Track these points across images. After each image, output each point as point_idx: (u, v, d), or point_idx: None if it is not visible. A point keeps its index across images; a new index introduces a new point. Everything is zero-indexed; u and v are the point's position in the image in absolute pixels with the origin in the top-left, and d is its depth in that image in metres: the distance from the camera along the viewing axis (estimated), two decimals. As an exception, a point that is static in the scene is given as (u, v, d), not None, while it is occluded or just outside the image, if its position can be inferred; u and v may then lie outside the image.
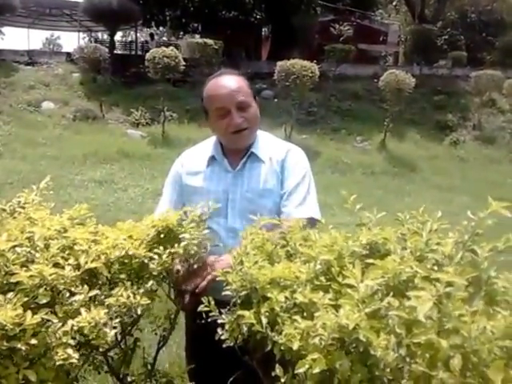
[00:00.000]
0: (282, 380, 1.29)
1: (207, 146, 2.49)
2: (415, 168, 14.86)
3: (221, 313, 1.52)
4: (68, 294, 1.53)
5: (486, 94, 19.51)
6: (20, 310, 1.37)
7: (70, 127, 15.13)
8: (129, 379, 1.82)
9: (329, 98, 18.46)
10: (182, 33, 29.78)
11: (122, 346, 1.79)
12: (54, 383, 1.41)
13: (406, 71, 16.03)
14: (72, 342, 1.42)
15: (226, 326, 1.46)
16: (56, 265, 1.57)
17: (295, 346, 1.24)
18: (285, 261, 1.58)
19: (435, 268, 1.39)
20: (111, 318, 1.53)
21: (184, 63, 15.19)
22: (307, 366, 1.19)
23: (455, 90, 20.99)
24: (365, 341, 1.18)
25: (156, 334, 1.89)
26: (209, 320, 1.54)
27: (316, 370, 1.18)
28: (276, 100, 17.77)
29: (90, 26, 27.79)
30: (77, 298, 1.52)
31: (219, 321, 1.50)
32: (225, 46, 18.66)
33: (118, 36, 29.30)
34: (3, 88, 16.51)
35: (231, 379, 1.69)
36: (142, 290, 1.64)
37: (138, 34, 29.33)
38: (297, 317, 1.32)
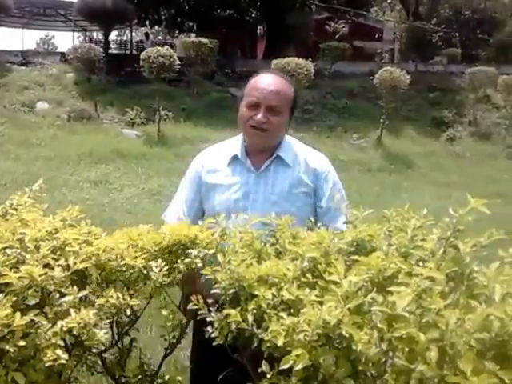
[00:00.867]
0: (268, 376, 1.31)
1: (229, 144, 2.50)
2: (412, 164, 14.91)
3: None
4: (58, 295, 1.53)
5: (480, 91, 19.62)
6: (9, 311, 1.37)
7: (65, 127, 15.07)
8: (123, 380, 1.82)
9: (324, 96, 18.47)
10: (177, 32, 29.78)
11: (120, 347, 1.79)
12: (45, 385, 1.40)
13: (401, 68, 16.09)
14: (61, 342, 1.42)
15: (216, 324, 1.47)
16: (46, 266, 1.56)
17: (280, 343, 1.26)
18: (274, 258, 1.59)
19: (420, 264, 1.41)
20: (101, 319, 1.53)
21: (179, 62, 15.17)
22: (292, 362, 1.21)
23: (450, 87, 21.03)
24: (347, 336, 1.20)
25: (165, 339, 1.87)
26: (197, 318, 1.54)
27: (300, 366, 1.20)
28: (271, 98, 17.78)
29: (84, 26, 27.66)
30: (66, 298, 1.51)
31: (208, 319, 1.51)
32: (220, 44, 18.67)
33: (113, 35, 29.30)
34: (-3, 89, 16.42)
35: (221, 376, 1.70)
36: (132, 292, 1.63)
37: (134, 34, 29.32)
38: (283, 314, 1.33)
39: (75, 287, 1.54)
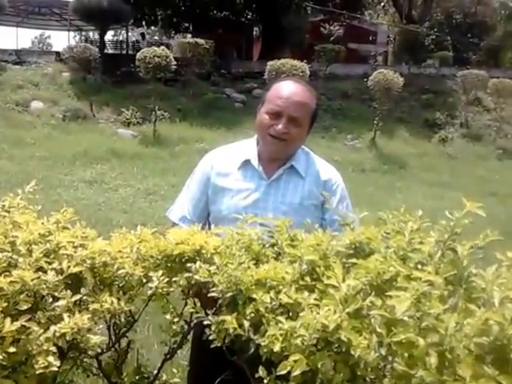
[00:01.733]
0: (265, 381, 1.29)
1: (242, 147, 2.45)
2: (405, 165, 14.99)
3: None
4: (51, 300, 1.49)
5: (472, 93, 19.88)
6: None
7: (60, 127, 15.00)
8: (120, 383, 1.78)
9: (319, 97, 18.46)
10: (173, 32, 29.78)
11: (117, 349, 1.76)
12: (38, 389, 1.37)
13: (394, 70, 16.23)
14: (53, 348, 1.38)
15: (213, 328, 1.46)
16: (39, 270, 1.52)
17: (277, 348, 1.25)
18: (272, 261, 1.58)
19: (418, 267, 1.41)
20: (96, 323, 1.49)
21: (175, 63, 15.17)
22: (289, 368, 1.20)
23: (443, 89, 21.30)
24: (346, 341, 1.19)
25: (166, 344, 1.82)
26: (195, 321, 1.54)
27: (297, 372, 1.18)
28: (267, 99, 17.82)
29: (80, 26, 27.56)
30: (60, 303, 1.47)
31: (205, 322, 1.49)
32: (216, 45, 18.69)
33: (109, 35, 29.21)
34: (-9, 88, 16.34)
35: (219, 379, 1.70)
36: (128, 297, 1.60)
37: (130, 34, 29.25)
38: (281, 317, 1.31)
39: (69, 291, 1.50)
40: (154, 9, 25.49)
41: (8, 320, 1.34)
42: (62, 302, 1.47)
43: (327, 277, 1.38)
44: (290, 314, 1.36)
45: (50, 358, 1.35)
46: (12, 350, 1.32)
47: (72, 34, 31.38)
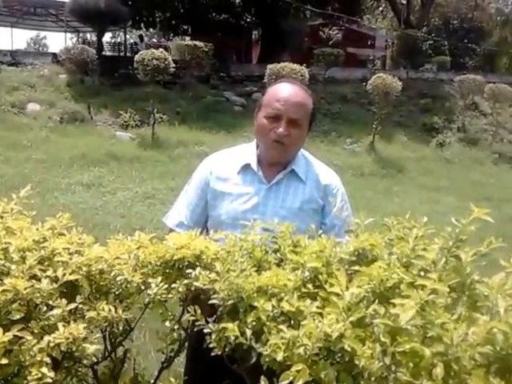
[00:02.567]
0: (267, 391, 1.26)
1: (240, 152, 2.42)
2: (403, 169, 15.01)
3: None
4: (45, 309, 1.45)
5: (469, 98, 19.96)
6: None
7: (57, 129, 14.88)
8: None
9: (318, 101, 18.50)
10: (171, 35, 29.76)
11: (113, 358, 1.73)
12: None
13: (393, 75, 16.22)
14: (48, 359, 1.34)
15: (213, 336, 1.44)
16: (33, 277, 1.49)
17: (279, 357, 1.22)
18: (274, 267, 1.56)
19: (421, 274, 1.39)
20: (92, 332, 1.47)
21: (174, 65, 15.14)
22: (292, 378, 1.18)
23: (440, 94, 21.39)
24: (350, 350, 1.17)
25: (163, 352, 1.81)
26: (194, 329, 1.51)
27: (300, 382, 1.16)
28: (266, 103, 17.82)
29: (77, 27, 27.41)
30: (54, 312, 1.43)
31: (205, 330, 1.47)
32: (215, 48, 18.66)
33: (107, 37, 29.15)
34: (-16, 89, 16.15)
35: None
36: (125, 305, 1.57)
37: (128, 36, 29.23)
38: (283, 326, 1.30)
39: (64, 300, 1.46)
40: (152, 11, 25.44)
41: (0, 330, 1.31)
42: (56, 311, 1.43)
43: (330, 284, 1.37)
44: (292, 322, 1.34)
45: (44, 370, 1.32)
46: (4, 361, 1.29)
47: (69, 35, 31.29)
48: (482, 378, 1.09)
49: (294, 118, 2.22)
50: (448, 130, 19.16)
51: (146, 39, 29.18)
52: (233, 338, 1.36)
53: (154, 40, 37.61)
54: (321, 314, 1.28)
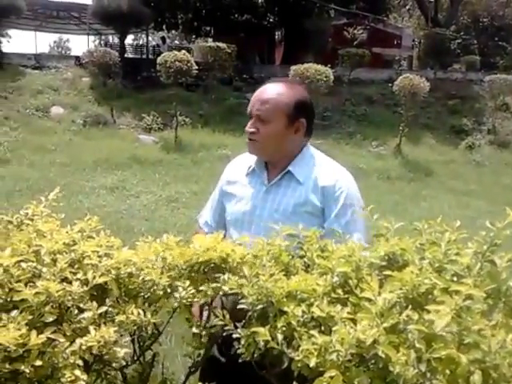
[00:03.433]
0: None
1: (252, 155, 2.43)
2: (431, 172, 14.74)
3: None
4: (76, 311, 1.46)
5: (499, 98, 19.50)
6: (24, 330, 1.30)
7: (80, 133, 14.98)
8: None
9: (343, 103, 18.35)
10: (193, 36, 29.76)
11: (141, 362, 1.71)
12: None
13: (420, 75, 15.90)
14: (80, 362, 1.35)
15: (242, 341, 1.42)
16: (64, 280, 1.50)
17: (312, 363, 1.21)
18: (302, 272, 1.55)
19: (454, 279, 1.39)
20: (122, 336, 1.46)
21: (196, 67, 15.05)
22: (325, 384, 1.16)
23: (469, 94, 20.96)
24: (384, 357, 1.16)
25: (190, 357, 1.79)
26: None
27: (334, 389, 1.14)
28: (290, 105, 17.64)
29: (99, 30, 27.61)
30: (85, 315, 1.44)
31: (234, 335, 1.46)
32: (238, 49, 18.57)
33: (129, 39, 29.21)
34: (10, 93, 16.31)
35: None
36: (154, 308, 1.57)
37: (150, 38, 29.21)
38: (314, 331, 1.29)
39: (94, 303, 1.47)
40: (174, 12, 25.43)
41: (34, 332, 1.31)
42: (87, 314, 1.45)
43: (361, 289, 1.35)
44: (322, 327, 1.33)
45: (77, 372, 1.33)
46: (39, 363, 1.30)
47: (91, 38, 31.42)
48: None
49: (257, 115, 2.22)
50: (478, 132, 18.77)
51: (168, 41, 29.19)
52: (262, 343, 1.35)
53: (176, 42, 37.66)
54: (352, 320, 1.27)
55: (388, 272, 1.40)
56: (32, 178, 10.89)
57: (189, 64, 14.74)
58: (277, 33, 29.30)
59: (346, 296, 1.41)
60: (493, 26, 32.61)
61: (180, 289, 1.56)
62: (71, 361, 1.34)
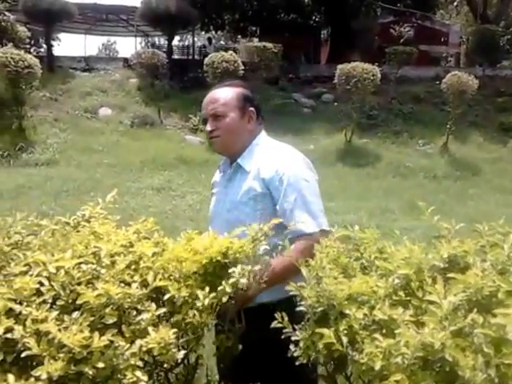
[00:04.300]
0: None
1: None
2: (478, 171, 14.38)
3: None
4: (135, 313, 1.49)
5: (549, 95, 18.77)
6: (87, 332, 1.33)
7: (128, 133, 15.10)
8: None
9: (390, 101, 18.07)
10: (239, 36, 29.87)
11: (186, 364, 1.72)
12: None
13: (468, 73, 15.52)
14: (140, 363, 1.37)
15: (301, 343, 1.42)
16: (122, 282, 1.54)
17: (377, 366, 1.20)
18: (360, 274, 1.55)
19: None
20: (177, 338, 1.47)
21: (243, 67, 15.07)
22: (391, 387, 1.15)
23: (519, 92, 20.19)
24: (451, 360, 1.14)
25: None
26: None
27: (401, 392, 1.14)
28: (336, 104, 17.53)
29: (146, 31, 27.94)
30: (144, 316, 1.47)
31: (293, 338, 1.46)
32: (283, 49, 18.47)
33: (175, 41, 29.44)
34: (60, 95, 16.59)
35: None
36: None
37: (195, 39, 29.45)
38: (377, 334, 1.27)
39: (153, 304, 1.50)
40: (221, 13, 25.60)
41: (96, 335, 1.34)
42: (146, 316, 1.47)
43: (424, 292, 1.34)
44: (384, 330, 1.32)
45: (138, 373, 1.35)
46: (101, 365, 1.32)
47: (138, 39, 31.83)
48: None
49: (212, 113, 2.41)
50: (527, 130, 18.14)
51: (213, 42, 29.35)
52: (321, 345, 1.35)
53: (222, 42, 37.87)
54: (414, 323, 1.26)
55: (451, 274, 1.38)
56: (79, 179, 11.08)
57: (236, 64, 14.80)
58: (322, 32, 29.14)
59: (408, 298, 1.40)
60: (544, 21, 31.61)
61: (201, 296, 1.57)
62: (132, 362, 1.36)
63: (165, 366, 1.59)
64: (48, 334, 1.33)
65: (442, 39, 28.73)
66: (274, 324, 1.54)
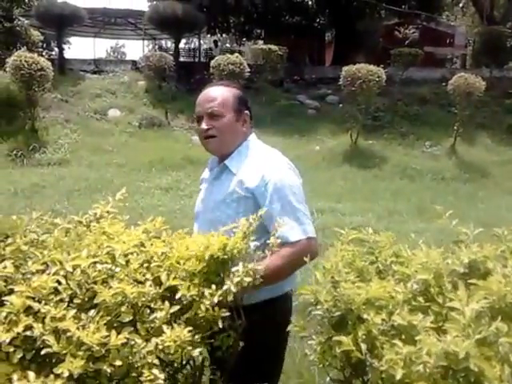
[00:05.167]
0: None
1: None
2: (487, 173, 14.26)
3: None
4: (148, 311, 1.49)
5: (558, 97, 18.64)
6: (104, 330, 1.34)
7: (136, 134, 15.29)
8: None
9: (396, 103, 18.01)
10: (244, 39, 29.92)
11: (192, 365, 1.71)
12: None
13: (475, 74, 15.46)
14: (157, 361, 1.38)
15: (318, 348, 1.39)
16: (135, 280, 1.54)
17: (399, 375, 1.15)
18: (376, 278, 1.50)
19: None
20: (192, 335, 1.47)
21: (249, 70, 15.14)
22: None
23: (527, 93, 20.12)
24: (476, 370, 1.09)
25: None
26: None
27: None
28: (341, 105, 17.50)
29: (154, 34, 28.12)
30: (158, 314, 1.47)
31: (309, 342, 1.42)
32: (288, 51, 18.53)
33: (182, 43, 29.54)
34: (71, 97, 16.85)
35: None
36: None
37: (201, 41, 29.55)
38: (396, 341, 1.23)
39: (167, 302, 1.50)
40: (227, 16, 25.68)
41: (114, 333, 1.35)
42: (160, 314, 1.48)
43: (446, 298, 1.30)
44: (403, 336, 1.27)
45: (155, 371, 1.36)
46: (118, 363, 1.33)
47: (145, 42, 32.00)
48: None
49: (209, 112, 2.36)
50: (536, 132, 18.05)
51: (219, 44, 29.44)
52: (338, 350, 1.31)
53: (227, 45, 37.90)
54: (435, 330, 1.22)
55: (473, 280, 1.34)
56: (90, 178, 11.21)
57: (241, 67, 14.87)
58: (327, 34, 29.15)
59: (427, 304, 1.36)
60: (552, 22, 31.45)
61: (208, 295, 1.57)
62: (149, 360, 1.38)
63: (175, 365, 1.59)
64: (67, 332, 1.34)
65: (448, 41, 28.68)
66: (291, 327, 1.53)
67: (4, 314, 1.37)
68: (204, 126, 2.37)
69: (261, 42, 25.98)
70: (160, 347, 1.40)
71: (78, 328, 1.34)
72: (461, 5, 35.31)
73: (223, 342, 1.72)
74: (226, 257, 1.64)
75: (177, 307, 1.51)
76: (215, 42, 28.05)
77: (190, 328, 1.45)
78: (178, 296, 1.57)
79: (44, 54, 16.91)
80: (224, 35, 33.02)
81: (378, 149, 14.81)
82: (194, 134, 15.85)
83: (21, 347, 1.35)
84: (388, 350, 1.22)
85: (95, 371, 1.33)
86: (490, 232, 1.62)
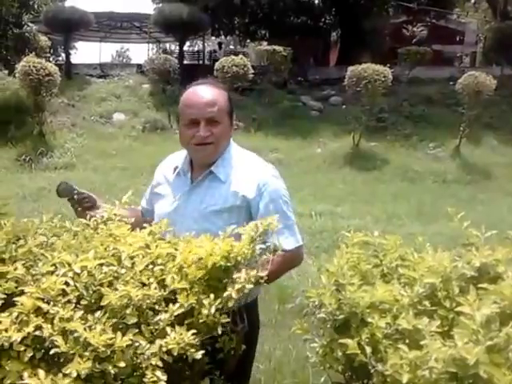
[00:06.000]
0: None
1: (180, 155, 2.46)
2: (490, 175, 14.12)
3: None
4: (152, 313, 1.51)
5: None
6: (110, 332, 1.37)
7: (140, 138, 15.42)
8: None
9: (401, 103, 17.81)
10: (248, 40, 29.87)
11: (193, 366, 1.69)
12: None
13: (486, 72, 15.14)
14: (160, 363, 1.39)
15: (320, 351, 1.39)
16: (140, 283, 1.56)
17: (405, 380, 1.14)
18: (380, 281, 1.49)
19: None
20: (195, 338, 1.47)
21: (253, 71, 15.09)
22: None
23: (539, 92, 19.77)
24: (486, 377, 1.08)
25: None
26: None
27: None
28: (344, 106, 17.42)
29: (158, 38, 28.20)
30: (162, 316, 1.49)
31: (312, 345, 1.43)
32: (293, 52, 18.44)
33: (185, 46, 29.58)
34: (77, 101, 17.02)
35: None
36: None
37: (205, 44, 29.55)
38: (401, 345, 1.22)
39: (171, 305, 1.51)
40: (231, 18, 25.66)
41: (119, 335, 1.38)
42: (164, 316, 1.49)
43: (451, 302, 1.30)
44: (407, 341, 1.26)
45: (158, 373, 1.38)
46: (123, 364, 1.36)
47: (150, 46, 32.03)
48: None
49: (210, 117, 2.23)
50: (545, 133, 17.74)
51: (222, 46, 29.39)
52: (340, 353, 1.31)
53: (231, 47, 37.90)
54: (441, 334, 1.21)
55: (484, 285, 1.32)
56: (95, 182, 11.25)
57: (245, 68, 14.85)
58: (332, 33, 29.00)
59: (434, 308, 1.35)
60: None
61: (206, 304, 1.54)
62: (153, 362, 1.39)
63: (176, 367, 1.57)
64: (74, 333, 1.37)
65: (458, 38, 28.39)
66: (293, 330, 1.53)
67: (15, 314, 1.41)
68: (203, 132, 2.22)
69: (265, 43, 25.91)
70: (164, 349, 1.42)
71: (85, 329, 1.37)
72: (473, 1, 34.88)
73: (225, 344, 1.70)
74: (229, 264, 1.61)
75: (181, 309, 1.51)
76: (219, 44, 28.04)
77: (194, 331, 1.46)
78: (179, 301, 1.56)
79: (51, 59, 17.08)
80: (228, 37, 33.01)
81: (380, 151, 14.73)
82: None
83: (31, 346, 1.38)
84: (392, 354, 1.21)
85: (101, 372, 1.35)
86: (486, 234, 1.61)
